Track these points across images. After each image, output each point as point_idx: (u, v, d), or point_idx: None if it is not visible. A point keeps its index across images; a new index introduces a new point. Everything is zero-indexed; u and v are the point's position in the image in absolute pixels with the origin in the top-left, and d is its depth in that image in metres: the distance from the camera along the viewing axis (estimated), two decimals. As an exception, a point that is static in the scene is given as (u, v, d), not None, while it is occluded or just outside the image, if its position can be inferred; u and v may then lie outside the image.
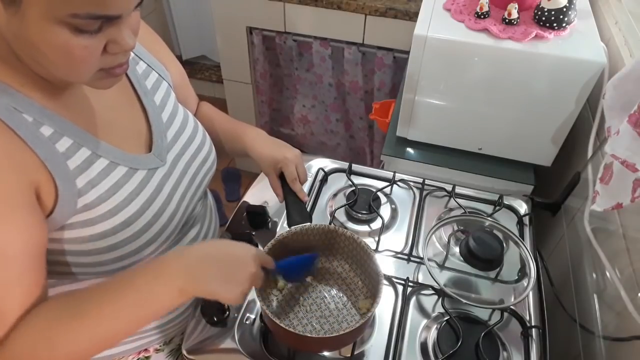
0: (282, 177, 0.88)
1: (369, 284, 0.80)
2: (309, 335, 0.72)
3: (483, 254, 0.83)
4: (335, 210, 0.97)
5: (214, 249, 0.64)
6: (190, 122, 0.81)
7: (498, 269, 0.86)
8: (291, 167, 0.86)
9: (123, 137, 0.68)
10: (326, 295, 0.82)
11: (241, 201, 0.99)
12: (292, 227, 0.79)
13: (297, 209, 0.85)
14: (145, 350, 0.86)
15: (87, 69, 0.54)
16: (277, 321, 0.67)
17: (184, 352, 0.77)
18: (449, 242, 0.92)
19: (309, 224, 0.81)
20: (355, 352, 0.75)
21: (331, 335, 0.68)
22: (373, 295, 0.75)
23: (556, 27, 0.98)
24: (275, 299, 0.80)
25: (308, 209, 0.95)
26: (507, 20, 0.99)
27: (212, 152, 0.85)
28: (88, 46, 0.51)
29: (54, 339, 0.57)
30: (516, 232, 0.91)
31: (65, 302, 0.59)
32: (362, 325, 0.69)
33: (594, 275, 0.88)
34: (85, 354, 0.60)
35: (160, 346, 0.88)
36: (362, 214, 0.96)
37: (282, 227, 0.94)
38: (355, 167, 1.08)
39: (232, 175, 2.33)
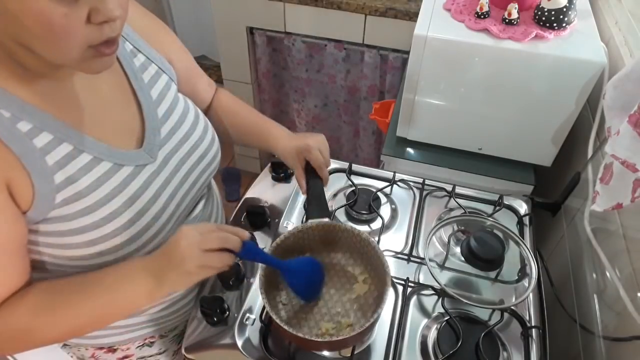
0: (307, 169, 0.85)
1: (377, 283, 0.78)
2: (317, 339, 0.70)
3: (484, 254, 0.83)
4: (336, 210, 0.97)
5: (167, 248, 0.64)
6: (189, 117, 0.79)
7: (498, 269, 0.86)
8: (315, 153, 0.83)
9: (113, 132, 0.67)
10: (332, 295, 0.81)
11: (241, 201, 0.99)
12: (294, 227, 0.78)
13: (317, 203, 0.83)
14: (151, 337, 0.88)
15: (71, 43, 0.52)
16: (286, 327, 0.67)
17: (184, 351, 0.77)
18: (449, 242, 0.92)
19: (325, 220, 0.79)
20: (356, 352, 0.75)
21: (339, 339, 0.68)
22: (380, 294, 0.74)
23: (556, 27, 0.98)
24: (281, 303, 0.79)
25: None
26: (507, 20, 0.99)
27: (213, 147, 0.83)
28: (68, 14, 0.49)
29: (34, 328, 0.62)
30: (516, 232, 0.91)
31: (45, 294, 0.63)
32: (369, 327, 0.68)
33: (594, 275, 0.88)
34: (59, 340, 0.69)
35: (164, 333, 0.90)
36: (362, 214, 0.96)
37: (283, 228, 0.94)
38: (355, 167, 1.08)
39: (232, 175, 2.33)
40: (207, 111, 0.94)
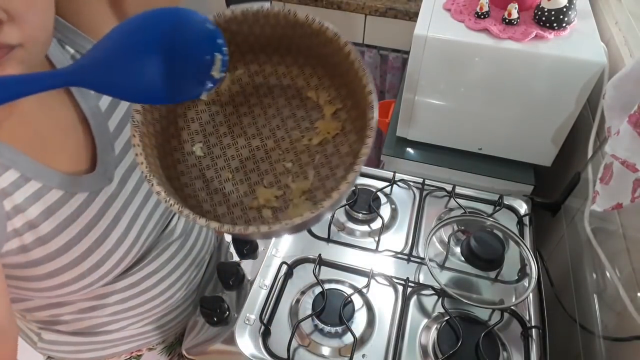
0: None
1: (356, 119, 0.47)
2: (241, 229, 0.41)
3: (485, 254, 0.83)
4: (335, 210, 0.97)
5: None
6: None
7: (498, 269, 0.86)
8: None
9: (61, 155, 0.60)
10: (280, 141, 0.50)
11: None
12: (228, 10, 0.46)
13: None
14: (138, 350, 0.85)
15: None
16: (187, 212, 0.40)
17: (184, 351, 0.77)
18: (449, 242, 0.92)
19: (259, 4, 0.46)
20: (355, 352, 0.76)
21: (275, 227, 0.40)
22: (360, 136, 0.44)
23: (556, 27, 0.98)
24: (194, 155, 0.49)
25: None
26: (507, 20, 0.99)
27: None
28: None
29: None
30: (516, 232, 0.91)
31: None
32: (339, 199, 0.41)
33: (594, 275, 0.88)
34: None
35: (153, 346, 0.88)
36: (362, 214, 0.96)
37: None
38: (355, 167, 1.07)
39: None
40: None
